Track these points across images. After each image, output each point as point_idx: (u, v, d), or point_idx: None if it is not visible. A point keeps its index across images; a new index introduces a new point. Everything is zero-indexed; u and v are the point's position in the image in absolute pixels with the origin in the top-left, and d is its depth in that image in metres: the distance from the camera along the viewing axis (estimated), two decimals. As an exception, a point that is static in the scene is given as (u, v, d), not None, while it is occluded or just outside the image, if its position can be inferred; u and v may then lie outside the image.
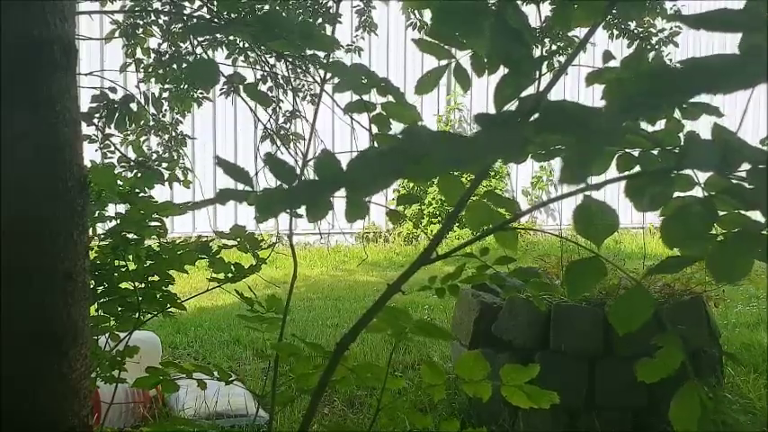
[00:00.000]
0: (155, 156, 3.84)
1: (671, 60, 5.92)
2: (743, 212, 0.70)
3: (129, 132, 4.04)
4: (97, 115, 3.55)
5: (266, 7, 3.38)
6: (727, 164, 0.58)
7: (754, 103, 11.02)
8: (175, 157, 4.42)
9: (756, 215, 0.66)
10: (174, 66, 4.01)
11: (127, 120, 3.56)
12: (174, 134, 4.46)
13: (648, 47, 5.30)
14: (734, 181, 0.64)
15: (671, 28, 5.39)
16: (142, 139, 4.16)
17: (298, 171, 0.86)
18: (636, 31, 5.25)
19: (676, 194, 0.74)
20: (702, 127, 0.82)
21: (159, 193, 2.29)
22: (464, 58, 1.07)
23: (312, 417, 1.13)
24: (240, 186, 0.87)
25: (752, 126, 12.19)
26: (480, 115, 0.49)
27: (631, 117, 0.48)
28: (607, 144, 0.49)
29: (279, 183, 0.98)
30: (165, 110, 4.36)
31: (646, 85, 0.45)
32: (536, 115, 0.50)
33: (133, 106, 3.62)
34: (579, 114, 0.48)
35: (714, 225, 0.68)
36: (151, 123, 4.18)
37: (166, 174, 3.45)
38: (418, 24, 5.49)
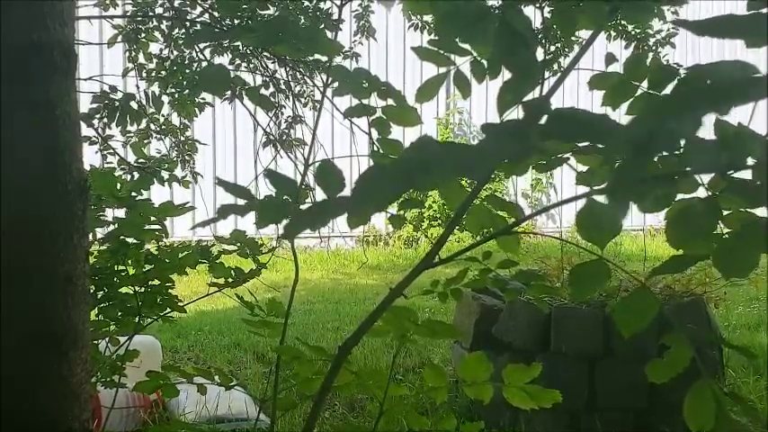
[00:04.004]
0: (156, 157, 3.83)
1: (668, 61, 5.93)
2: (748, 210, 0.70)
3: (131, 135, 4.04)
4: (97, 116, 3.55)
5: (267, 12, 3.39)
6: (731, 164, 0.58)
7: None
8: (187, 162, 4.42)
9: (762, 212, 0.66)
10: (177, 71, 4.01)
11: (128, 118, 3.56)
12: (182, 138, 4.46)
13: (646, 48, 5.30)
14: (738, 178, 0.63)
15: (668, 29, 5.39)
16: (144, 141, 4.16)
17: (298, 176, 0.86)
18: (633, 33, 5.25)
19: (680, 196, 0.74)
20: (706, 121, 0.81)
21: (159, 195, 2.29)
22: (464, 65, 1.07)
23: (316, 420, 1.13)
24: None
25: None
26: (486, 125, 0.49)
27: (664, 142, 0.48)
28: (648, 158, 0.49)
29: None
30: (168, 113, 4.36)
31: (675, 105, 0.45)
32: (542, 121, 0.50)
33: (133, 105, 3.62)
34: (596, 123, 0.48)
35: (719, 225, 0.68)
36: (152, 127, 4.18)
37: (166, 175, 3.45)
38: (420, 25, 5.49)
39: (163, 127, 4.25)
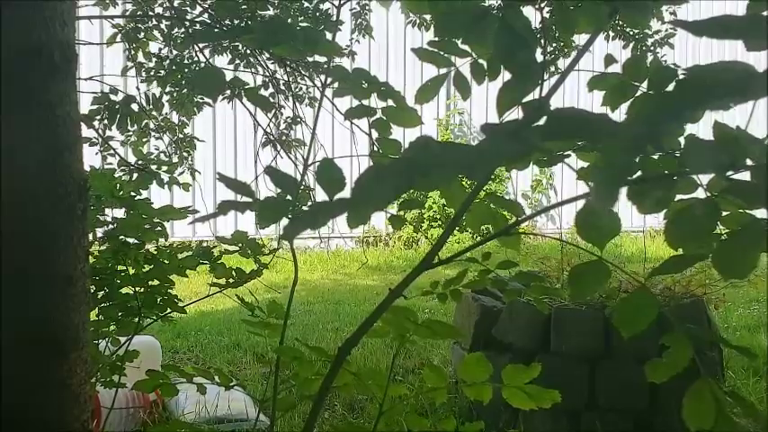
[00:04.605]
0: (155, 157, 3.83)
1: (666, 62, 5.93)
2: (747, 211, 0.70)
3: (130, 134, 4.04)
4: (98, 117, 3.55)
5: (267, 13, 3.39)
6: (730, 164, 0.58)
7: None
8: (185, 159, 4.43)
9: (761, 213, 0.66)
10: (176, 70, 4.01)
11: (128, 120, 3.57)
12: (181, 136, 4.46)
13: (644, 48, 5.30)
14: (737, 179, 0.63)
15: (666, 30, 5.39)
16: (143, 140, 4.16)
17: (298, 176, 0.86)
18: (631, 33, 5.25)
19: (679, 197, 0.74)
20: (705, 121, 0.82)
21: (159, 195, 2.29)
22: (464, 66, 1.07)
23: (315, 421, 1.13)
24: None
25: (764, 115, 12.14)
26: (486, 125, 0.49)
27: (658, 135, 0.48)
28: (636, 154, 0.49)
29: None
30: (167, 113, 4.36)
31: (670, 102, 0.45)
32: (542, 121, 0.50)
33: (134, 107, 3.63)
34: (595, 122, 0.48)
35: (718, 226, 0.68)
36: (152, 126, 4.18)
37: (166, 177, 3.45)
38: (418, 22, 5.49)
39: (161, 124, 4.25)
